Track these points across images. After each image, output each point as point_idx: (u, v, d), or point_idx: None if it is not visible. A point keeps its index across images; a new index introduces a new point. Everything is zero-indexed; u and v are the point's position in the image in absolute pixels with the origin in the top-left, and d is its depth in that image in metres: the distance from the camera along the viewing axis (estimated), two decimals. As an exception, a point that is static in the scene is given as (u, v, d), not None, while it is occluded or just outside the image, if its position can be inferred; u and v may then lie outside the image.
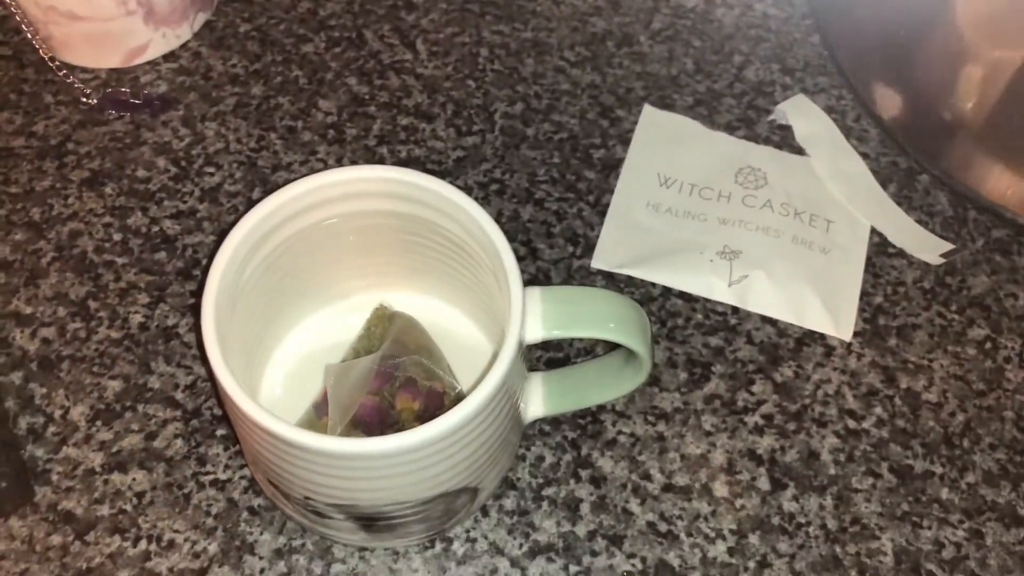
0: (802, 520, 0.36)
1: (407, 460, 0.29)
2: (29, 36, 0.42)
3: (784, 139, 0.45)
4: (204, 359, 0.39)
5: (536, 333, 0.31)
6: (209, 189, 0.42)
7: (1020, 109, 0.43)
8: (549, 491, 0.37)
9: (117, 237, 0.41)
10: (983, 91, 0.43)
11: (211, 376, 0.38)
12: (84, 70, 0.45)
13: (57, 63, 0.43)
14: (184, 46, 0.46)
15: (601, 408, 0.38)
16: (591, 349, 0.40)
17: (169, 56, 0.45)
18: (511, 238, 0.36)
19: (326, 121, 0.44)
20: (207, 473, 0.36)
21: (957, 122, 0.43)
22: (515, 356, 0.29)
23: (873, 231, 0.42)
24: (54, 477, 0.36)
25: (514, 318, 0.30)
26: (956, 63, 0.44)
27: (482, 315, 0.37)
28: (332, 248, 0.35)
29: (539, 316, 0.31)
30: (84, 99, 0.43)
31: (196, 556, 0.35)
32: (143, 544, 0.35)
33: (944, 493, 0.37)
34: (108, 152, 0.43)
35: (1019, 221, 0.41)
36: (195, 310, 0.39)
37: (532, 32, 0.47)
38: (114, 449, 0.37)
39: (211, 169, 0.43)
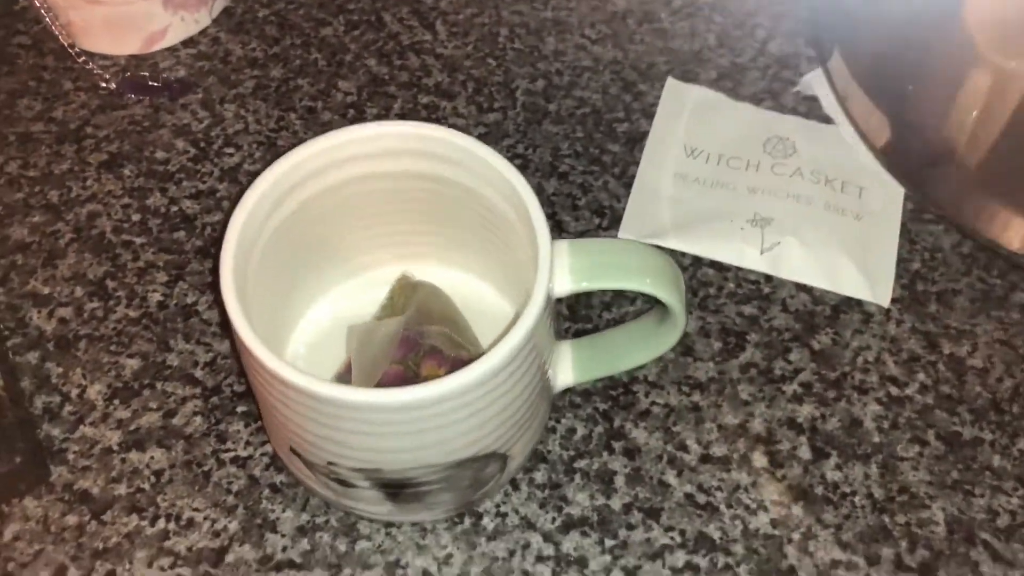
0: (847, 490, 0.35)
1: (432, 414, 0.27)
2: (49, 22, 0.42)
3: (811, 110, 0.44)
4: (225, 331, 0.38)
5: (565, 286, 0.30)
6: (228, 169, 0.42)
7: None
8: (581, 464, 0.35)
9: (136, 217, 0.40)
10: (985, 111, 0.40)
11: (232, 341, 0.37)
12: (104, 57, 0.44)
13: (77, 50, 0.43)
14: (203, 32, 0.45)
15: (633, 379, 0.37)
16: (621, 320, 0.38)
17: (188, 42, 0.45)
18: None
19: (346, 101, 0.44)
20: (227, 450, 0.35)
21: (953, 152, 0.39)
22: (543, 308, 0.28)
23: (907, 196, 0.41)
24: (70, 456, 0.35)
25: (542, 269, 0.28)
26: (961, 72, 0.41)
27: (509, 287, 0.36)
28: (353, 213, 0.34)
29: (567, 268, 0.30)
30: (103, 84, 0.43)
31: (216, 535, 0.34)
32: (161, 523, 0.34)
33: (995, 460, 0.35)
34: (127, 135, 0.43)
35: (1018, 262, 0.38)
36: (215, 287, 0.39)
37: (552, 11, 0.47)
38: (132, 427, 0.36)
39: (230, 150, 0.42)
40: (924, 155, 0.39)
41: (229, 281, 0.29)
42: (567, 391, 0.37)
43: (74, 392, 0.36)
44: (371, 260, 0.37)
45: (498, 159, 0.30)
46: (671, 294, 0.30)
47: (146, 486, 0.35)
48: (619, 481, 0.35)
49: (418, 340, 0.34)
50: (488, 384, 0.28)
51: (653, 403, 0.37)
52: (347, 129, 0.31)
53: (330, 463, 0.30)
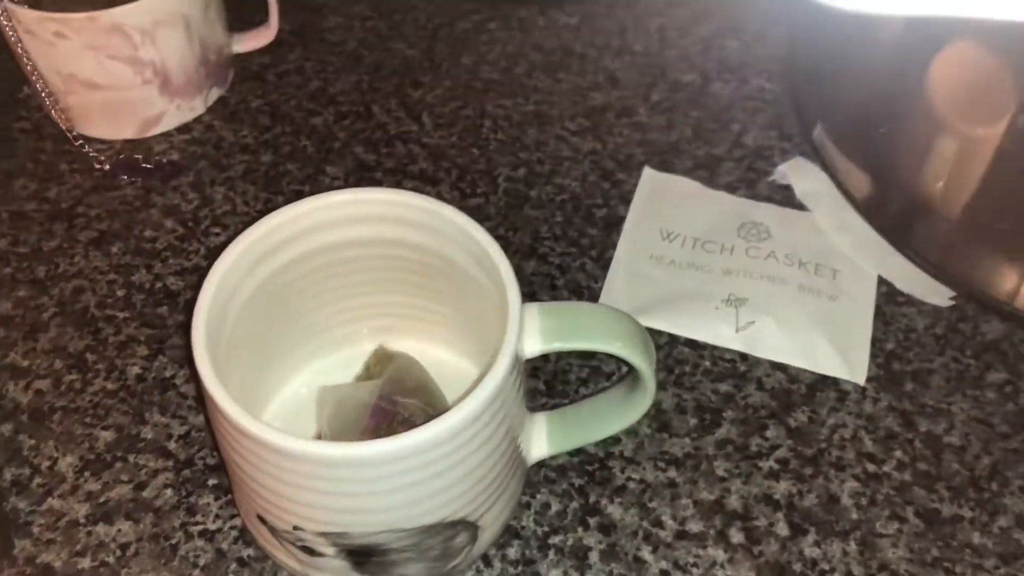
0: (825, 567, 0.34)
1: (397, 471, 0.27)
2: (49, 106, 0.44)
3: (786, 198, 0.45)
4: (200, 405, 0.38)
5: (535, 346, 0.30)
6: (215, 247, 0.43)
7: (1000, 191, 0.41)
8: (556, 539, 0.35)
9: (120, 293, 0.41)
10: (957, 170, 0.43)
11: (206, 410, 0.37)
12: (100, 141, 0.46)
13: (74, 133, 0.45)
14: (197, 119, 0.47)
15: (609, 454, 0.37)
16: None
17: (182, 128, 0.47)
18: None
19: (333, 185, 0.45)
20: (196, 523, 0.35)
21: (931, 205, 0.42)
22: (511, 365, 0.29)
23: (880, 280, 0.42)
24: (35, 529, 0.35)
25: (511, 323, 0.29)
26: (933, 137, 0.44)
27: (485, 360, 0.36)
28: (327, 283, 0.35)
29: (537, 329, 0.30)
30: (98, 166, 0.44)
31: (180, 609, 0.33)
32: (124, 597, 0.33)
33: (976, 537, 0.35)
34: (117, 214, 0.44)
35: (1006, 309, 0.39)
36: (193, 361, 0.39)
37: (534, 105, 0.49)
38: (101, 500, 0.35)
39: (217, 229, 0.43)
40: (908, 211, 0.41)
41: (201, 338, 0.29)
42: (541, 466, 0.36)
43: (45, 464, 0.36)
44: (346, 334, 0.37)
45: (466, 220, 0.31)
46: (640, 357, 0.30)
47: (111, 559, 0.34)
48: (594, 557, 0.34)
49: (392, 410, 0.34)
50: (454, 441, 0.27)
51: (629, 479, 0.36)
52: (317, 197, 0.32)
53: (296, 527, 0.30)
